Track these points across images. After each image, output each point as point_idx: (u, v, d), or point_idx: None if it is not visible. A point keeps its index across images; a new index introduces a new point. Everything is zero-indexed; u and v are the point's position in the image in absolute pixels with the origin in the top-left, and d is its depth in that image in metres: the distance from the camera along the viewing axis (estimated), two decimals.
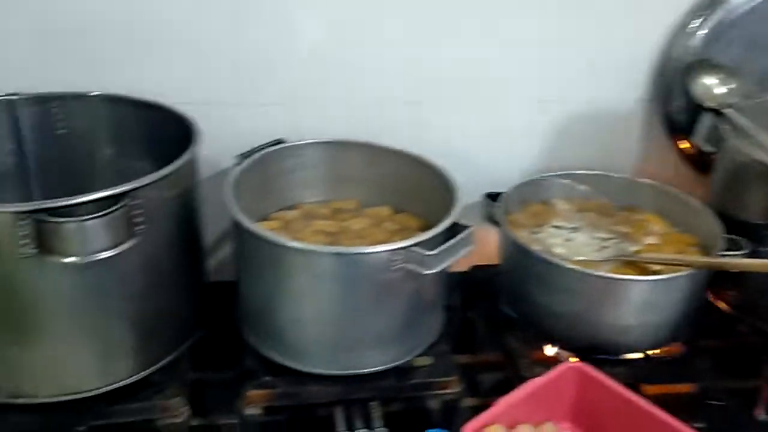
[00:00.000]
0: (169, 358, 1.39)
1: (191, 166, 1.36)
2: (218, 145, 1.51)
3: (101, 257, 1.13)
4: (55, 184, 1.57)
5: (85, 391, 1.30)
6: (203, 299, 1.51)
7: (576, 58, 1.77)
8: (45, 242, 1.11)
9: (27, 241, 1.10)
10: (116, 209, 1.13)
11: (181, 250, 1.36)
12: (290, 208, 1.63)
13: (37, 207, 1.09)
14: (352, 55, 1.67)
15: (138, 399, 1.35)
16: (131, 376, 1.34)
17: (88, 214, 1.11)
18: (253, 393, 1.39)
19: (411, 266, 1.26)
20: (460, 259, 1.32)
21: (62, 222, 1.09)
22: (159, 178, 1.22)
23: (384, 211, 1.63)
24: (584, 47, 1.74)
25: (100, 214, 1.11)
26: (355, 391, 1.42)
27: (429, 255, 1.24)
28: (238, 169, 1.46)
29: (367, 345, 1.36)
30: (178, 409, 1.36)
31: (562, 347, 1.50)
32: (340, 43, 1.65)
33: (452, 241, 1.28)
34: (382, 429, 1.38)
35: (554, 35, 1.73)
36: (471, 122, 1.81)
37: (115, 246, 1.14)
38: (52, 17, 1.53)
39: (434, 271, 1.25)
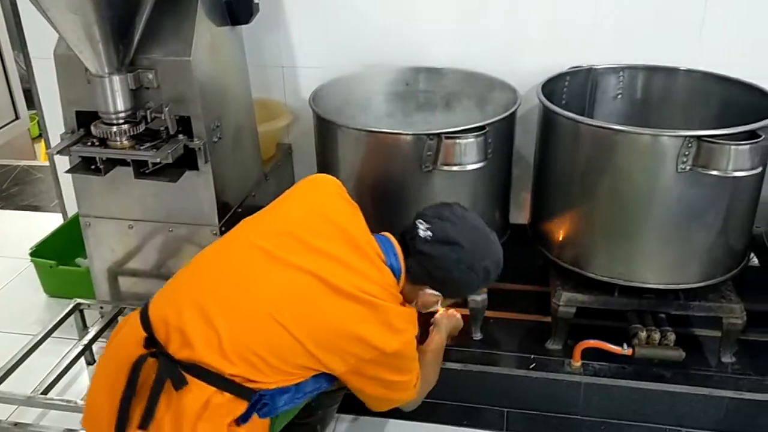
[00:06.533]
0: (728, 275, 1.72)
1: None
2: None
3: (738, 175, 1.50)
4: None
5: (669, 284, 1.68)
6: (750, 236, 1.79)
7: None
8: (700, 160, 1.50)
9: (685, 158, 1.51)
10: (761, 140, 1.49)
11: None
12: None
13: (701, 134, 1.49)
14: None
15: (707, 300, 1.71)
16: (701, 282, 1.69)
17: (731, 141, 1.48)
18: None
19: None
20: None
21: (721, 143, 1.47)
22: None
23: None
24: None
25: (748, 142, 1.48)
26: None
27: None
28: None
29: None
30: (739, 313, 1.70)
31: None
32: None
33: None
34: None
35: None
36: None
37: (752, 168, 1.50)
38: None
39: None
